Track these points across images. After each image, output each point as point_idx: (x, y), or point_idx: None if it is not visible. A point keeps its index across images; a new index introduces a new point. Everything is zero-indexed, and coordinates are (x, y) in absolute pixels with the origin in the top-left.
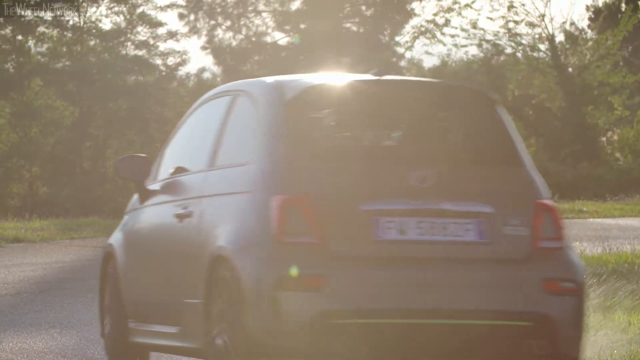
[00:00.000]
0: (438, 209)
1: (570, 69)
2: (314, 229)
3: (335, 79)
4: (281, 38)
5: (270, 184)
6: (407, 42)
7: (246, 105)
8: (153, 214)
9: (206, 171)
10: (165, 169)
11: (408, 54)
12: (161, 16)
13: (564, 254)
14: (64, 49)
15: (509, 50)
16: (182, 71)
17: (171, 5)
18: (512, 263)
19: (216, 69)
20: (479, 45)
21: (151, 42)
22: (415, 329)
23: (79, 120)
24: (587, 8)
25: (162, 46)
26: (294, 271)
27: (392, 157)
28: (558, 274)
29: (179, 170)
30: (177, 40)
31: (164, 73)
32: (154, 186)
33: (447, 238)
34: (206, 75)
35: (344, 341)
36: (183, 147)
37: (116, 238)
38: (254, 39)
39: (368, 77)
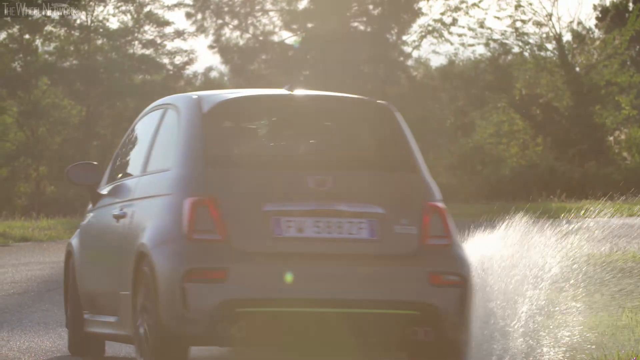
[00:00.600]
0: (334, 209)
1: (577, 69)
2: (220, 227)
3: (251, 93)
4: (288, 37)
5: (185, 187)
6: (414, 41)
7: (173, 117)
8: (100, 215)
9: (139, 176)
10: (113, 174)
11: (415, 53)
12: (168, 15)
13: (450, 250)
14: (72, 48)
15: (516, 49)
16: (190, 70)
17: (178, 4)
18: (400, 258)
19: (223, 68)
20: (487, 45)
21: (158, 41)
22: (310, 317)
23: (86, 119)
24: (595, 7)
25: (170, 45)
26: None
27: (295, 163)
28: (443, 268)
29: (125, 175)
30: (185, 39)
31: (171, 72)
32: (104, 190)
33: (341, 236)
34: (214, 74)
35: (244, 327)
36: (127, 155)
37: (75, 238)
38: (261, 38)
39: (281, 91)
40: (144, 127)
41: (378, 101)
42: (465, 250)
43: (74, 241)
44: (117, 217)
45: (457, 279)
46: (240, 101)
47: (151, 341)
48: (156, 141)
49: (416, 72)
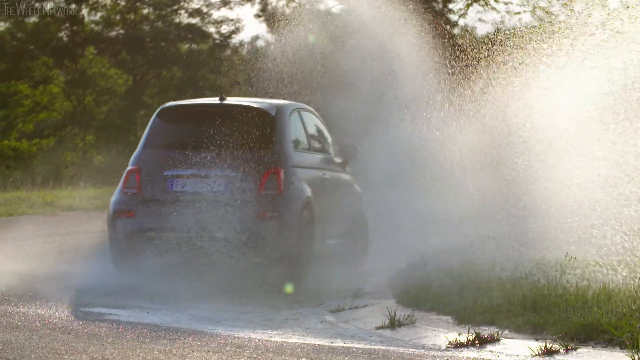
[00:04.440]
0: (205, 174)
1: None
2: (138, 185)
3: (192, 102)
4: (335, 6)
5: (131, 161)
6: (460, 9)
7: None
8: None
9: None
10: None
11: (462, 22)
12: None
13: (277, 197)
14: (118, 17)
15: (562, 17)
16: (236, 39)
17: None
18: (242, 202)
19: (270, 37)
20: (533, 13)
21: (205, 9)
22: (183, 239)
23: (133, 89)
24: None
25: (216, 14)
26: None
27: (190, 146)
28: (267, 208)
29: None
30: (231, 8)
31: (217, 41)
32: None
33: (207, 189)
34: (260, 43)
35: (148, 246)
36: None
37: None
38: (307, 6)
39: (213, 100)
40: None
41: (265, 108)
42: (292, 197)
43: None
44: None
45: (276, 215)
46: (179, 107)
47: (108, 251)
48: None
49: (462, 41)
